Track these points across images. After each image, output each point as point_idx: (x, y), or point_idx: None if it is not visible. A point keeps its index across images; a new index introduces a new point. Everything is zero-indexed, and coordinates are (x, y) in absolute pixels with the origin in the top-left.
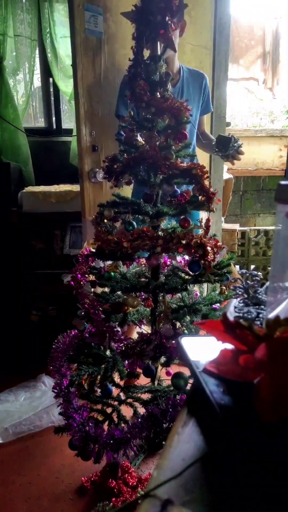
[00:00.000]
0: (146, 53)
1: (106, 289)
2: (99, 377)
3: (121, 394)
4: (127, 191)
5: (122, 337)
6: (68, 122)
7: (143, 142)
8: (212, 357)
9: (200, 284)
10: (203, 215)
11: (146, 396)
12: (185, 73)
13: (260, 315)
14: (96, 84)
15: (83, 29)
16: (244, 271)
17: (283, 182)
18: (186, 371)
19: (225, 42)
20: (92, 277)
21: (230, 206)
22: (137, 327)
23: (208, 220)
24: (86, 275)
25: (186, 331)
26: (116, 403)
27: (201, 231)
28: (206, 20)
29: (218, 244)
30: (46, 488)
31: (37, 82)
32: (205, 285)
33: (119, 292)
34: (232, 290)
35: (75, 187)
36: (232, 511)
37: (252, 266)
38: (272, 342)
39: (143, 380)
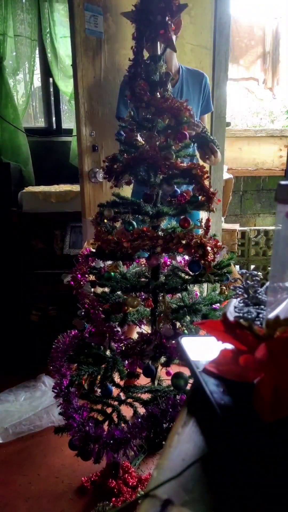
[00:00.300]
0: (146, 53)
1: (106, 289)
2: (99, 377)
3: (121, 394)
4: (127, 191)
5: (122, 337)
6: (68, 122)
7: (143, 142)
8: (212, 357)
9: (200, 284)
10: (203, 215)
11: (146, 396)
12: (184, 73)
13: (260, 315)
14: (96, 84)
15: (83, 29)
16: (244, 271)
17: (283, 182)
18: (186, 371)
19: (225, 42)
20: (92, 277)
21: (230, 206)
22: (137, 327)
23: (208, 220)
24: (86, 275)
25: (186, 331)
26: (116, 403)
27: (201, 231)
28: (206, 20)
29: (218, 244)
30: (46, 488)
31: (37, 82)
32: (205, 285)
33: (119, 292)
34: (232, 290)
35: (75, 187)
36: (232, 511)
37: (252, 266)
38: (272, 342)
39: (143, 380)
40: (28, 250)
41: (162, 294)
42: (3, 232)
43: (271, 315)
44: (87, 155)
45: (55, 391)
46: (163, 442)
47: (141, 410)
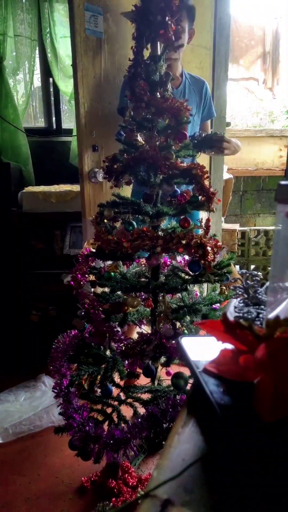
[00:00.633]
0: (146, 53)
1: (106, 289)
2: (99, 377)
3: (121, 394)
4: (127, 191)
5: (122, 337)
6: (68, 122)
7: (143, 142)
8: (212, 357)
9: (200, 284)
10: (203, 215)
11: (146, 396)
12: (187, 78)
13: (260, 315)
14: (96, 84)
15: (83, 29)
16: (244, 271)
17: (283, 182)
18: (186, 371)
19: (225, 42)
20: (92, 277)
21: (230, 206)
22: (137, 327)
23: (208, 220)
24: (86, 275)
25: (186, 331)
26: (116, 403)
27: (201, 231)
28: (206, 20)
29: (218, 244)
30: (46, 488)
31: (37, 82)
32: (205, 285)
33: (119, 292)
34: (232, 290)
35: (75, 187)
36: (232, 511)
37: (252, 266)
38: (272, 342)
39: (143, 380)
40: (28, 250)
41: (162, 294)
42: (3, 232)
43: (271, 315)
44: (87, 155)
45: (55, 391)
46: (163, 442)
47: (141, 410)
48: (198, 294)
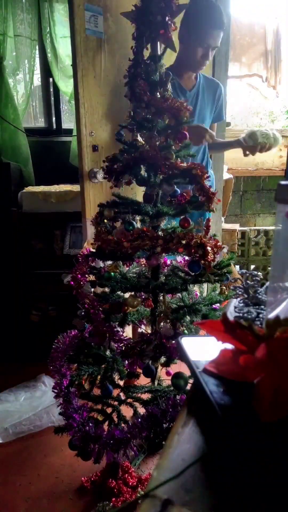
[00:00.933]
0: (146, 53)
1: (106, 289)
2: (99, 377)
3: (121, 394)
4: (127, 191)
5: (122, 337)
6: (68, 122)
7: (143, 142)
8: (212, 357)
9: (200, 284)
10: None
11: (146, 396)
12: (201, 79)
13: (260, 315)
14: (96, 84)
15: (83, 29)
16: (244, 271)
17: (283, 182)
18: (186, 371)
19: (225, 42)
20: (92, 277)
21: (230, 206)
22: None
23: (208, 220)
24: (86, 275)
25: (186, 331)
26: (116, 403)
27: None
28: None
29: (218, 244)
30: (46, 488)
31: (37, 82)
32: (205, 285)
33: (119, 292)
34: (232, 290)
35: (75, 187)
36: (232, 511)
37: (252, 266)
38: (272, 342)
39: (143, 380)
40: (28, 250)
41: (162, 294)
42: (3, 232)
43: (271, 315)
44: (87, 155)
45: (55, 391)
46: (163, 442)
47: (141, 410)
48: (198, 294)
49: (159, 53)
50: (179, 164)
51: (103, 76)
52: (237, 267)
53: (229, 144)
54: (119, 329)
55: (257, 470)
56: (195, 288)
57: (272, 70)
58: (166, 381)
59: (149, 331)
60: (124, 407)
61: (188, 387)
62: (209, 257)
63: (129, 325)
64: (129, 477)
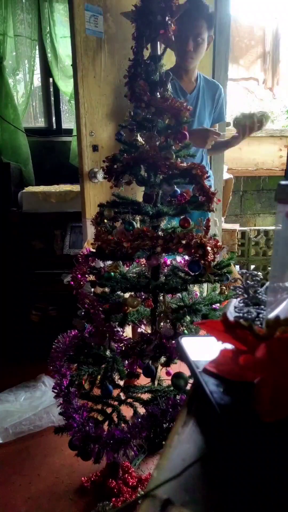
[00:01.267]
0: (146, 53)
1: (106, 289)
2: (99, 377)
3: (121, 394)
4: (127, 191)
5: (122, 337)
6: (68, 122)
7: (143, 142)
8: (212, 357)
9: (200, 284)
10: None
11: (146, 396)
12: (201, 82)
13: (260, 315)
14: (96, 84)
15: (83, 29)
16: (244, 271)
17: (283, 182)
18: (186, 371)
19: (225, 42)
20: (92, 277)
21: (230, 206)
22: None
23: (208, 220)
24: (86, 275)
25: (186, 331)
26: (116, 403)
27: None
28: None
29: (218, 244)
30: (46, 488)
31: (37, 82)
32: (205, 285)
33: (119, 292)
34: (232, 290)
35: (75, 187)
36: (232, 511)
37: (252, 266)
38: (272, 342)
39: (143, 380)
40: (28, 250)
41: (162, 294)
42: (3, 232)
43: (271, 315)
44: (87, 155)
45: (55, 391)
46: (163, 442)
47: (141, 410)
48: (198, 294)
49: (159, 53)
50: (179, 164)
51: (103, 76)
52: (237, 267)
53: (227, 143)
54: (119, 329)
55: (257, 470)
56: (195, 288)
57: (270, 71)
58: (166, 381)
59: (149, 331)
60: (124, 407)
61: (188, 387)
62: (209, 257)
63: (129, 325)
64: (129, 477)
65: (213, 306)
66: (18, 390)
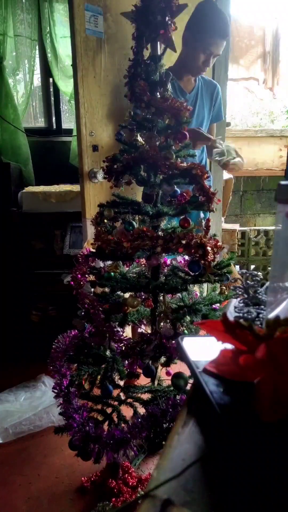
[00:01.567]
0: (146, 53)
1: (106, 289)
2: (99, 377)
3: (121, 394)
4: (127, 191)
5: (122, 337)
6: (68, 122)
7: (143, 142)
8: (212, 357)
9: (200, 284)
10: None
11: (146, 396)
12: (200, 81)
13: (260, 315)
14: (96, 84)
15: (83, 29)
16: (244, 271)
17: (283, 182)
18: (186, 371)
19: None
20: (92, 277)
21: (230, 206)
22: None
23: (208, 220)
24: (86, 275)
25: (186, 331)
26: (116, 403)
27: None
28: None
29: (218, 244)
30: (46, 488)
31: (37, 82)
32: (205, 285)
33: (119, 292)
34: (232, 290)
35: (75, 187)
36: (232, 511)
37: (252, 266)
38: (272, 342)
39: (143, 380)
40: (28, 250)
41: (162, 294)
42: (3, 232)
43: (271, 315)
44: (87, 155)
45: (55, 391)
46: (163, 442)
47: (141, 410)
48: (198, 294)
49: (159, 53)
50: (179, 164)
51: (103, 76)
52: (237, 267)
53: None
54: (119, 329)
55: (257, 470)
56: (195, 288)
57: (270, 71)
58: (166, 381)
59: (149, 331)
60: (124, 407)
61: (188, 387)
62: (209, 257)
63: (129, 325)
64: (129, 477)
65: (213, 306)
66: (18, 390)
